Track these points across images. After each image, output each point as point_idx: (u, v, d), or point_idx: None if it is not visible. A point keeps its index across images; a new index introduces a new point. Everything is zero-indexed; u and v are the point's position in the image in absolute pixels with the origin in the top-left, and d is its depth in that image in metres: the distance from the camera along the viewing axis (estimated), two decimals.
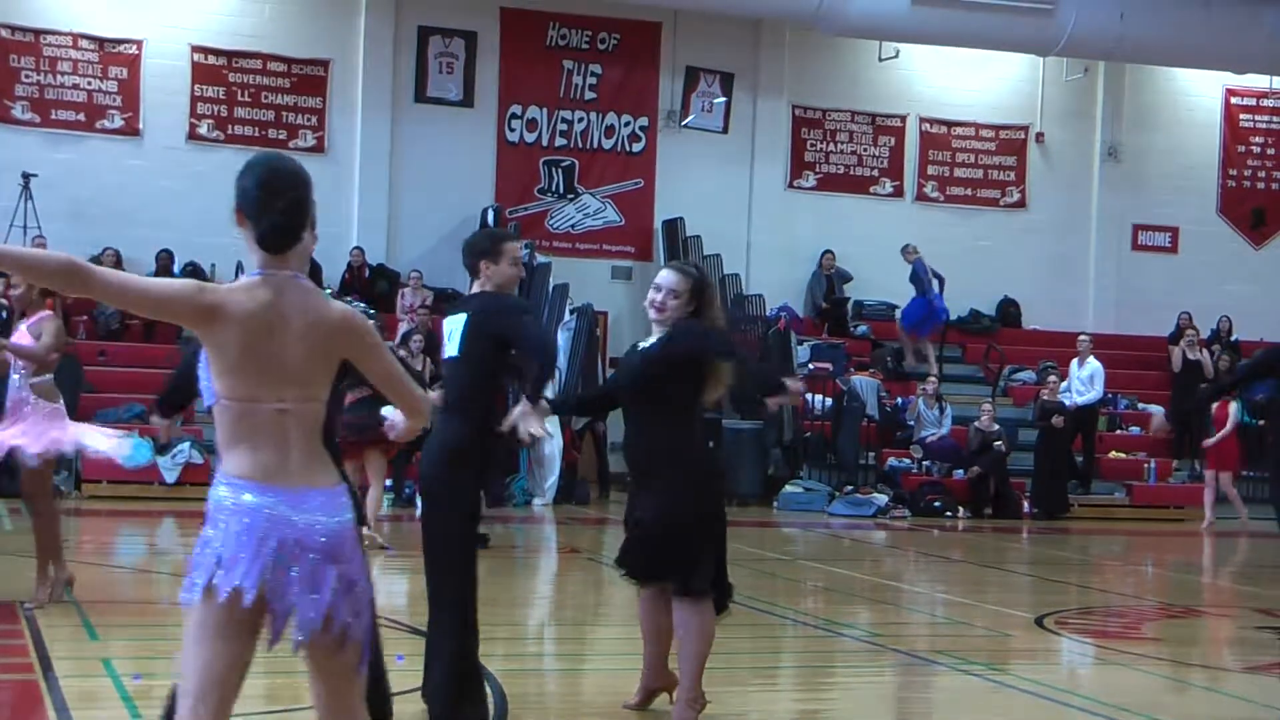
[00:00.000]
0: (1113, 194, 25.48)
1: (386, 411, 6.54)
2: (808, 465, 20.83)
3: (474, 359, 6.40)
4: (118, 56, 21.31)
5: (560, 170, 23.05)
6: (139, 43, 21.35)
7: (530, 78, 22.85)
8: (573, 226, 23.08)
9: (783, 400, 6.92)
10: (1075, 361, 21.82)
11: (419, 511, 7.05)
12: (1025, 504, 20.56)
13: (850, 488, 20.25)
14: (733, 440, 19.86)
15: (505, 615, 9.80)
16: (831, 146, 24.41)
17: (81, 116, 21.15)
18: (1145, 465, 21.88)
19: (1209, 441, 20.08)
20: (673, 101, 23.38)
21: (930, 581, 14.09)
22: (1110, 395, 22.81)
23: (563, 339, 19.94)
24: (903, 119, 24.69)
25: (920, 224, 24.42)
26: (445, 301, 18.83)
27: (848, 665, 9.28)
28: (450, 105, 22.53)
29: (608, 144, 23.26)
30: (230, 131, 21.69)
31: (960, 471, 20.64)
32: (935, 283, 22.39)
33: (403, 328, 18.99)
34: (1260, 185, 26.45)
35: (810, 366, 21.77)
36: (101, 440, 9.53)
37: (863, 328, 23.74)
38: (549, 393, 7.26)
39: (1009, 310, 25.02)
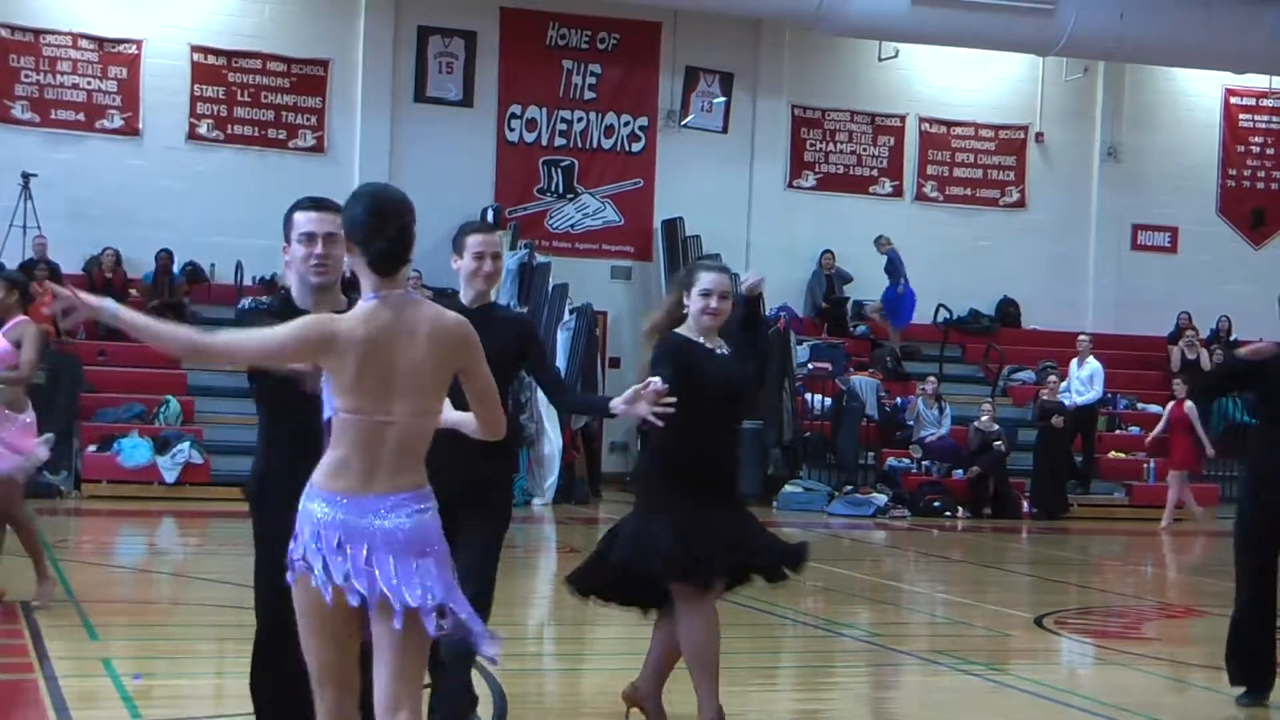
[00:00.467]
0: (1112, 194, 25.49)
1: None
2: (807, 465, 20.83)
3: None
4: (117, 56, 21.30)
5: (560, 170, 23.04)
6: (139, 42, 21.34)
7: (530, 78, 22.83)
8: (572, 226, 23.08)
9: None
10: (1075, 361, 21.83)
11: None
12: (1025, 504, 20.56)
13: (850, 488, 20.26)
14: None
15: (505, 615, 9.80)
16: (831, 146, 24.41)
17: (81, 116, 21.13)
18: (1145, 465, 21.87)
19: (1150, 437, 20.33)
20: (672, 101, 23.38)
21: (930, 581, 14.10)
22: (1109, 395, 22.82)
23: (562, 339, 19.95)
24: (902, 119, 24.69)
25: (920, 224, 24.42)
26: (443, 301, 18.80)
27: (847, 665, 9.29)
28: (450, 105, 22.51)
29: (607, 144, 23.25)
30: (230, 131, 21.68)
31: (960, 471, 20.65)
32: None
33: None
34: (1260, 185, 26.45)
35: (810, 366, 21.78)
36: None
37: (862, 328, 23.74)
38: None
39: (1008, 310, 25.02)
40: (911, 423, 21.32)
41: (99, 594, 10.04)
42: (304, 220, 5.11)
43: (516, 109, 22.83)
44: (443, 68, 22.51)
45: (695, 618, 6.32)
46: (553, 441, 19.05)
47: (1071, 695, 8.15)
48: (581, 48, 23.07)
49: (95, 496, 17.13)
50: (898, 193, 24.68)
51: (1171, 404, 20.23)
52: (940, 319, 23.99)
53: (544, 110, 22.93)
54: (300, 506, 4.27)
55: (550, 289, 20.77)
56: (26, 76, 20.94)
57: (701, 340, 6.48)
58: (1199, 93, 26.01)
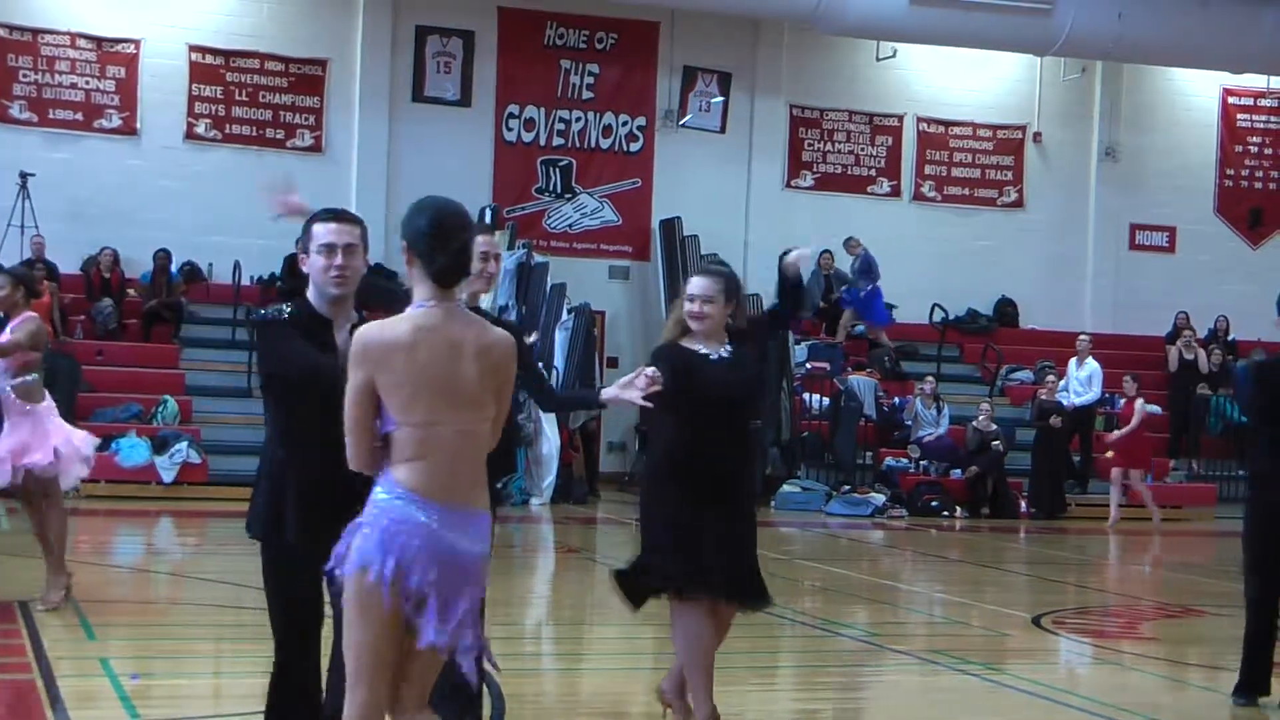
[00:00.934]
0: (1110, 194, 25.50)
1: None
2: (805, 465, 20.83)
3: None
4: (115, 56, 21.29)
5: (558, 170, 23.04)
6: (137, 42, 21.33)
7: (528, 77, 22.83)
8: (570, 226, 23.07)
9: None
10: (1074, 361, 21.81)
11: None
12: (1023, 504, 20.56)
13: (848, 487, 20.26)
14: None
15: (503, 615, 9.80)
16: (829, 146, 24.41)
17: (79, 116, 21.12)
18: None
19: (1112, 438, 20.44)
20: (670, 101, 23.38)
21: (928, 581, 14.11)
22: (1107, 395, 22.81)
23: (560, 338, 19.97)
24: (900, 119, 24.69)
25: (917, 224, 24.43)
26: None
27: (846, 665, 9.29)
28: (448, 105, 22.51)
29: (605, 144, 23.25)
30: (228, 131, 21.68)
31: (958, 471, 20.65)
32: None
33: None
34: (1258, 185, 26.45)
35: (808, 366, 21.78)
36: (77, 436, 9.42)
37: (860, 327, 23.74)
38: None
39: (1006, 310, 25.02)
40: (909, 422, 21.32)
41: (97, 594, 10.03)
42: (324, 232, 5.09)
43: (514, 109, 22.83)
44: (441, 67, 22.51)
45: (687, 617, 6.36)
46: (551, 441, 19.06)
47: (1069, 695, 8.15)
48: (579, 47, 23.07)
49: (93, 496, 17.10)
50: (895, 192, 24.69)
51: (1123, 402, 20.37)
52: (937, 319, 23.98)
53: (542, 110, 22.93)
54: (382, 502, 4.29)
55: (548, 289, 20.77)
56: (25, 76, 20.93)
57: (699, 346, 6.44)
58: (1197, 93, 26.02)
